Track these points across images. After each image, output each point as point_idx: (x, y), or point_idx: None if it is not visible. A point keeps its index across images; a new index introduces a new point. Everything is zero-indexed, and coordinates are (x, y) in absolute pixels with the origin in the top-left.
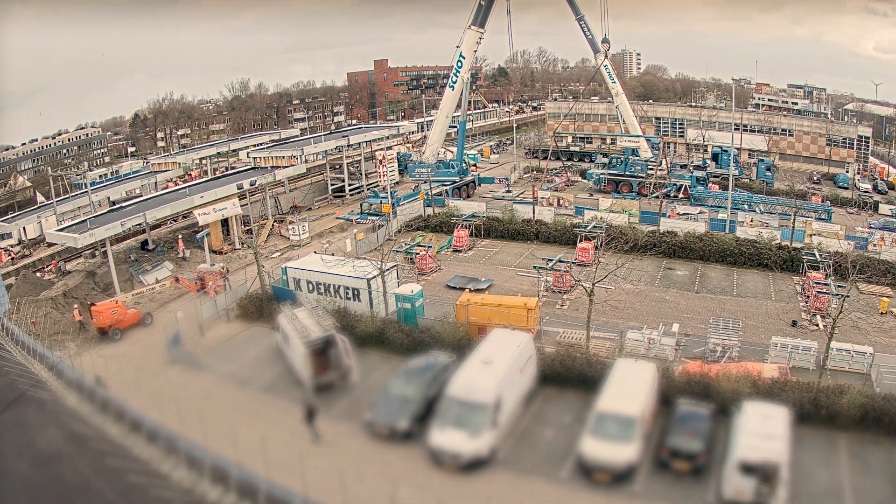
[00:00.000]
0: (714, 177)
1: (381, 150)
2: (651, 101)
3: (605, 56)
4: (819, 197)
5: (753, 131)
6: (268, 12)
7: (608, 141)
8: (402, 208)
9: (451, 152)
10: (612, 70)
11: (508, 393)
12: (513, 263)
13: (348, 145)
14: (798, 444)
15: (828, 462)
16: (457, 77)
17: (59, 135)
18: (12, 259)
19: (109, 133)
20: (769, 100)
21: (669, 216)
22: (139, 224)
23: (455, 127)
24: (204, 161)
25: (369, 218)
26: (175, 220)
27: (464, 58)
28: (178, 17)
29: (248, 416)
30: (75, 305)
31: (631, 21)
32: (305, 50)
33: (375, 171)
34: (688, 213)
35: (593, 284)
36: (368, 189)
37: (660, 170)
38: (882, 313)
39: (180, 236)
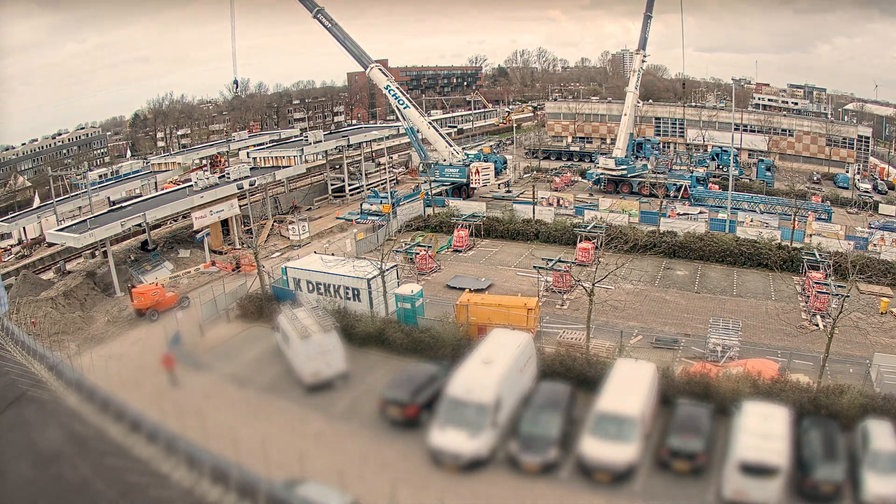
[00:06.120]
0: (714, 177)
1: None
2: (651, 101)
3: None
4: (819, 197)
5: (753, 131)
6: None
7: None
8: (402, 208)
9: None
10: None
11: (508, 393)
12: (513, 263)
13: (348, 145)
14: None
15: None
16: None
17: (59, 135)
18: (13, 253)
19: (109, 133)
20: (769, 100)
21: (669, 216)
22: (139, 224)
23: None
24: (204, 161)
25: (369, 218)
26: (175, 220)
27: None
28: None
29: (248, 416)
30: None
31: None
32: (305, 50)
33: (375, 172)
34: (688, 213)
35: (593, 284)
36: (368, 189)
37: (663, 163)
38: (882, 313)
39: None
